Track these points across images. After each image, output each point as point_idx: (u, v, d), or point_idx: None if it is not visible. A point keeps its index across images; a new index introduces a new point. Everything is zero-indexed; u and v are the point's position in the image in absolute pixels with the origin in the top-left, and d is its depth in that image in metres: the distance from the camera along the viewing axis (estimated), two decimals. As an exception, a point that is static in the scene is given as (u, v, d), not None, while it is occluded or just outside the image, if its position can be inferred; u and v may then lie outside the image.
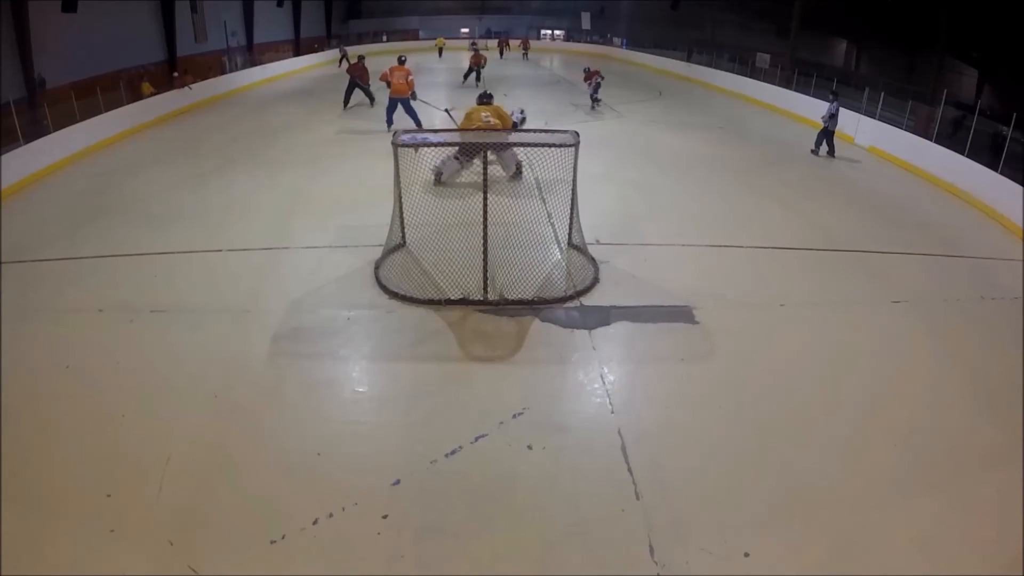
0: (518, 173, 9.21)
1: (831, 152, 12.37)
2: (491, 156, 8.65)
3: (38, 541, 3.63)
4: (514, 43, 33.51)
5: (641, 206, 9.35)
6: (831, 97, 12.41)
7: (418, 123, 12.44)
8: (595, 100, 16.90)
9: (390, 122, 12.96)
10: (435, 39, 34.91)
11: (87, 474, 4.13)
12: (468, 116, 9.29)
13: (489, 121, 9.06)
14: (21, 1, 14.37)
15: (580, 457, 4.33)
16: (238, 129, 15.44)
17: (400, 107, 12.86)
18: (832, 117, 12.09)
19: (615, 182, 10.24)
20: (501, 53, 32.27)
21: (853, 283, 7.02)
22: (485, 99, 9.65)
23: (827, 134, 12.28)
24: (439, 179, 9.07)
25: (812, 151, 12.54)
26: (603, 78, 17.14)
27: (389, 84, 12.77)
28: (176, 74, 18.38)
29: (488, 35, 37.32)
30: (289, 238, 7.95)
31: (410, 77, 12.86)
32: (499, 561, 3.54)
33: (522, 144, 8.13)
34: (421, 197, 6.56)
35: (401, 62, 13.17)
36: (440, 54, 32.42)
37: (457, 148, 7.55)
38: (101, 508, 3.85)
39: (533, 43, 34.28)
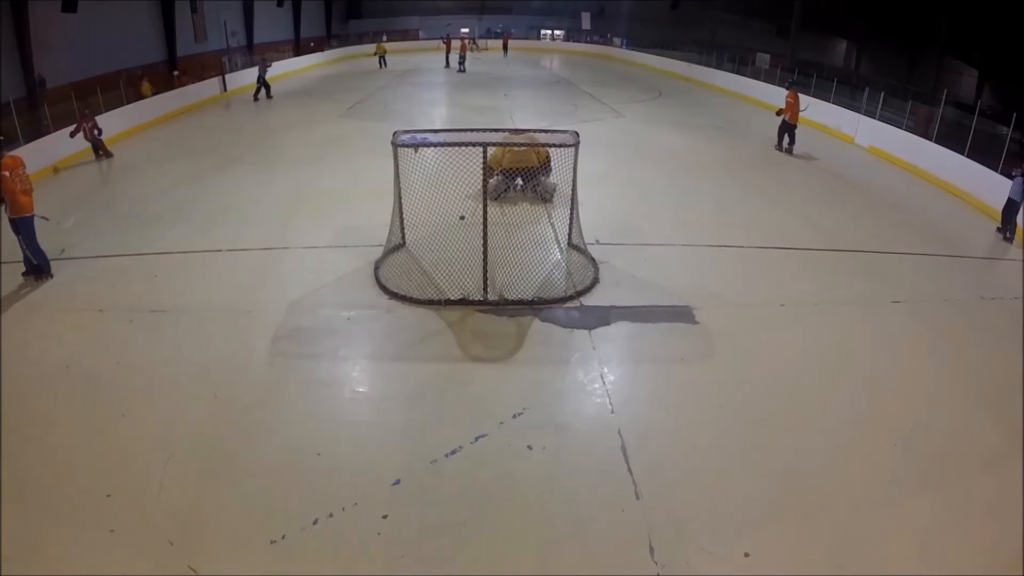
0: (550, 196, 8.82)
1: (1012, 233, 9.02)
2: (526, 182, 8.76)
3: (38, 541, 3.63)
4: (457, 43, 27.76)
5: (641, 206, 9.34)
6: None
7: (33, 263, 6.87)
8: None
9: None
10: (376, 44, 29.63)
11: (87, 474, 4.13)
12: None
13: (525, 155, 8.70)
14: (21, 1, 14.36)
15: (580, 457, 4.33)
16: (238, 129, 15.45)
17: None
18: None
19: (615, 182, 10.24)
20: (448, 61, 27.27)
21: (853, 283, 7.01)
22: None
23: (1014, 210, 8.93)
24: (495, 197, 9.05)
25: (1000, 233, 9.02)
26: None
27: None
28: (176, 73, 18.44)
29: (488, 34, 37.33)
30: (289, 238, 7.95)
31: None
32: (499, 561, 3.54)
33: (522, 144, 8.14)
34: (421, 197, 6.55)
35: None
36: (382, 63, 27.47)
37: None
38: (101, 508, 3.85)
39: (528, 43, 33.10)
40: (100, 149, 12.05)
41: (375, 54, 28.75)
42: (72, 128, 11.58)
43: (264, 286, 6.74)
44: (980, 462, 4.39)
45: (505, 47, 33.88)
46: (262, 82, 19.79)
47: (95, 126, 11.86)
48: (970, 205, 10.07)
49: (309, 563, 3.52)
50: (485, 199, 6.09)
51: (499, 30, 38.09)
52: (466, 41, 28.68)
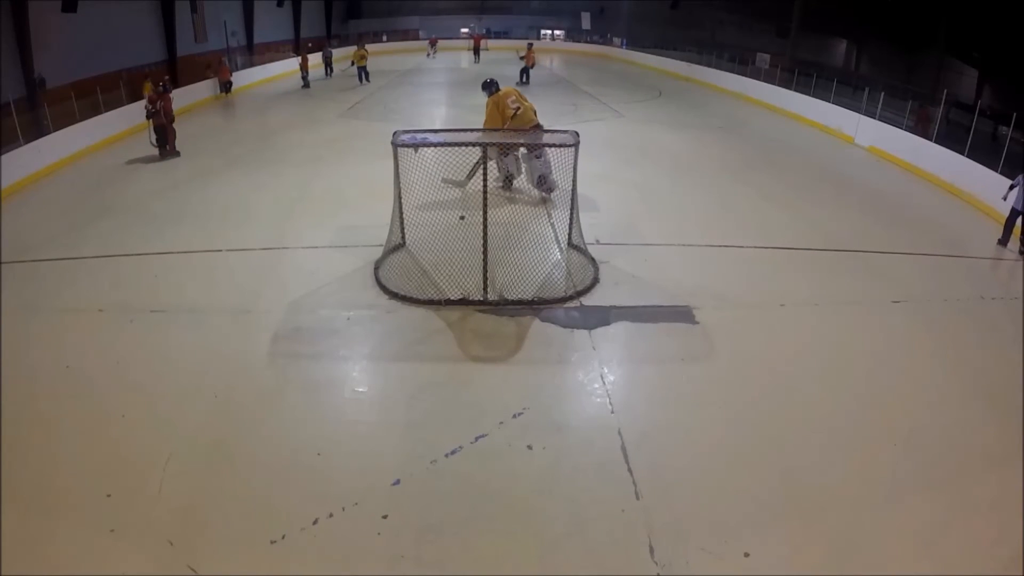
0: (550, 192, 8.75)
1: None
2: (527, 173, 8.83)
3: (38, 541, 3.63)
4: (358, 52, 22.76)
5: (641, 206, 9.34)
6: None
7: None
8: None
9: None
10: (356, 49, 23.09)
11: (87, 474, 4.13)
12: (496, 105, 8.97)
13: (520, 108, 8.81)
14: (21, 1, 14.36)
15: (580, 457, 4.33)
16: (238, 129, 15.45)
17: None
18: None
19: (615, 182, 10.23)
20: (328, 69, 23.54)
21: (853, 283, 7.01)
22: (493, 88, 9.33)
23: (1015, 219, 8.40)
24: (509, 184, 9.09)
25: (1002, 244, 8.47)
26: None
27: None
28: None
29: (488, 34, 37.22)
30: (289, 238, 7.95)
31: None
32: (499, 561, 3.54)
33: (522, 144, 8.14)
34: (421, 197, 6.55)
35: None
36: (363, 77, 22.12)
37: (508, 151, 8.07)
38: (101, 508, 3.85)
39: (526, 44, 32.75)
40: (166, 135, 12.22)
41: (352, 63, 22.89)
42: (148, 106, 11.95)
43: (264, 286, 6.73)
44: (980, 462, 4.39)
45: (476, 51, 29.25)
46: (328, 65, 23.88)
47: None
48: (970, 205, 10.06)
49: (309, 563, 3.52)
50: (485, 200, 6.08)
51: (469, 30, 36.01)
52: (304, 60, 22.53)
